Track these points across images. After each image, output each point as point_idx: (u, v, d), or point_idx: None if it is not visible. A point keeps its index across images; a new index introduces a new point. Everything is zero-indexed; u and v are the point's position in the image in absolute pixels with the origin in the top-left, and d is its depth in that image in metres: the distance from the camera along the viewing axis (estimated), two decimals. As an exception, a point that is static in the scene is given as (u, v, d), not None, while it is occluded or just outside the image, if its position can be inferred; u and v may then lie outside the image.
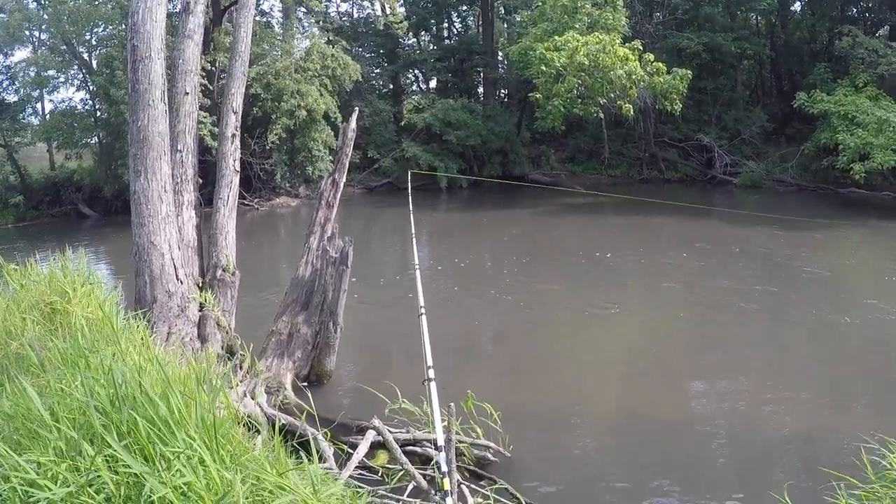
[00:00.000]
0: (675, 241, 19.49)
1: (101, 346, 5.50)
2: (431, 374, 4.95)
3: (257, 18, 30.09)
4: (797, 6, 40.59)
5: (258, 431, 6.20)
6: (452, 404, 5.06)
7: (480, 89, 41.97)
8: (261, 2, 32.97)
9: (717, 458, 6.92)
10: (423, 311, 6.18)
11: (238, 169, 9.49)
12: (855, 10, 36.43)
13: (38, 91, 31.07)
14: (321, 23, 36.60)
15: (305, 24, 36.90)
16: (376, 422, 6.27)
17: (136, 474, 3.57)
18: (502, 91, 43.00)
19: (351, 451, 6.29)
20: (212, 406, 4.17)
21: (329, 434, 6.47)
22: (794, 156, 31.34)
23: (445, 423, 4.79)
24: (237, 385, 7.35)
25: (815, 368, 9.41)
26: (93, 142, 29.48)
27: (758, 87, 42.58)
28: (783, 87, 39.70)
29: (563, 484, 6.39)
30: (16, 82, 30.48)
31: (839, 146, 26.12)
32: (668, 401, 8.39)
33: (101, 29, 29.22)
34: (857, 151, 25.30)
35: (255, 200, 28.23)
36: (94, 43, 29.88)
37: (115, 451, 3.61)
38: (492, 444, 6.63)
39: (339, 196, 9.16)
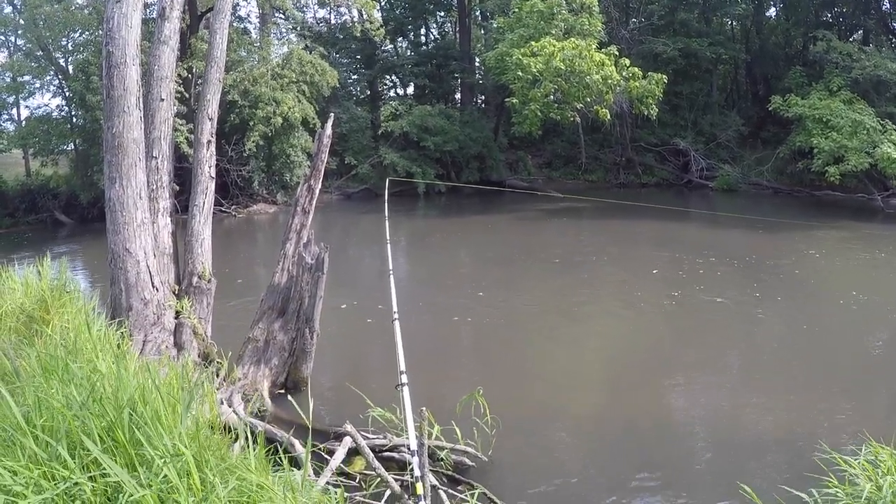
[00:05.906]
0: (652, 244, 19.61)
1: (78, 354, 5.50)
2: (404, 378, 4.98)
3: (234, 25, 29.99)
4: (772, 11, 41.15)
5: (235, 439, 6.20)
6: (425, 409, 5.10)
7: (458, 95, 42.07)
8: (237, 8, 32.87)
9: (698, 460, 6.98)
10: (396, 316, 6.22)
11: (213, 175, 9.45)
12: (829, 15, 36.95)
13: (13, 97, 30.69)
14: (298, 29, 36.55)
15: (283, 31, 36.88)
16: (349, 427, 6.28)
17: (114, 481, 3.59)
18: (479, 97, 43.12)
19: (328, 457, 6.29)
20: (196, 410, 4.19)
21: (307, 441, 6.47)
22: (770, 159, 31.74)
23: (419, 427, 4.82)
24: (215, 392, 7.34)
25: (794, 369, 9.49)
26: (69, 148, 29.14)
27: (733, 92, 43.05)
28: (758, 91, 40.14)
29: (543, 487, 6.40)
30: (-9, 88, 30.13)
31: (814, 149, 26.53)
32: (648, 403, 8.44)
33: (77, 34, 29.01)
34: (831, 154, 25.70)
35: (233, 207, 28.02)
36: (70, 48, 29.65)
37: (97, 455, 3.62)
38: (469, 449, 6.63)
39: (314, 202, 9.14)
